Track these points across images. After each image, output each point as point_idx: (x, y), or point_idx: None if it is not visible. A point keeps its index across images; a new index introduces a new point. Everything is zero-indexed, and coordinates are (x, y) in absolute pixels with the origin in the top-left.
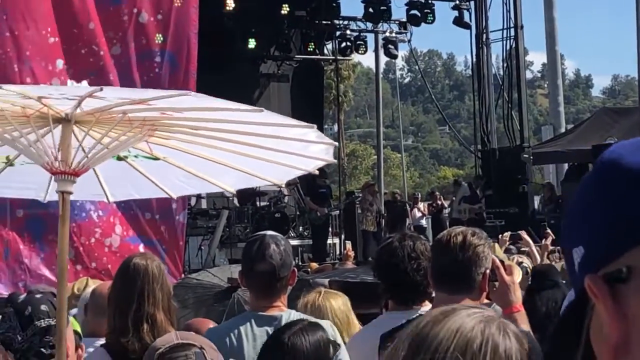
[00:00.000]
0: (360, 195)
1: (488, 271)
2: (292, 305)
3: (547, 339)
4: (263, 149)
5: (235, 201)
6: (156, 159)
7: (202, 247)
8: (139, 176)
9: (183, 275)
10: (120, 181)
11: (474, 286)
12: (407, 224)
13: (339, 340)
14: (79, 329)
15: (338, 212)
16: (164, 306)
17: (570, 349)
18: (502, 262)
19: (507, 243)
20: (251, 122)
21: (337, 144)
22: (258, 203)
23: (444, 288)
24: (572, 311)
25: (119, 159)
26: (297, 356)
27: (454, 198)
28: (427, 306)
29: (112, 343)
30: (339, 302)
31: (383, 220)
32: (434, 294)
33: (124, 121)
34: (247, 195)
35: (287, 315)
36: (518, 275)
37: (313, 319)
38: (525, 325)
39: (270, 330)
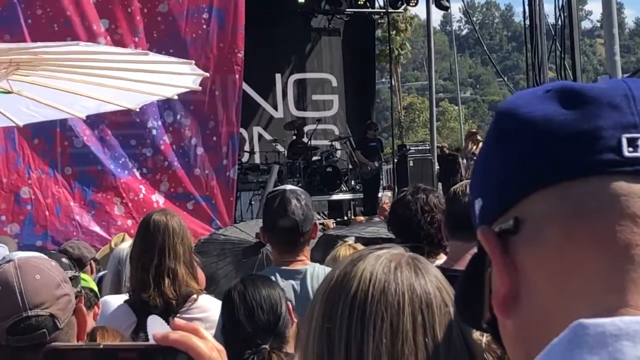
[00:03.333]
0: (464, 144)
1: None
2: (315, 258)
3: (456, 291)
4: (120, 79)
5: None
6: (8, 92)
7: (253, 202)
8: None
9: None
10: None
11: None
12: (459, 176)
13: None
14: (93, 286)
15: (390, 166)
16: (185, 261)
17: (475, 300)
18: None
19: None
20: (118, 60)
21: (207, 74)
22: (310, 157)
23: (459, 236)
24: (475, 263)
25: None
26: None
27: None
28: (442, 259)
29: (135, 298)
30: None
31: None
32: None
33: None
34: (299, 149)
35: (312, 268)
36: None
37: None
38: None
39: (295, 283)
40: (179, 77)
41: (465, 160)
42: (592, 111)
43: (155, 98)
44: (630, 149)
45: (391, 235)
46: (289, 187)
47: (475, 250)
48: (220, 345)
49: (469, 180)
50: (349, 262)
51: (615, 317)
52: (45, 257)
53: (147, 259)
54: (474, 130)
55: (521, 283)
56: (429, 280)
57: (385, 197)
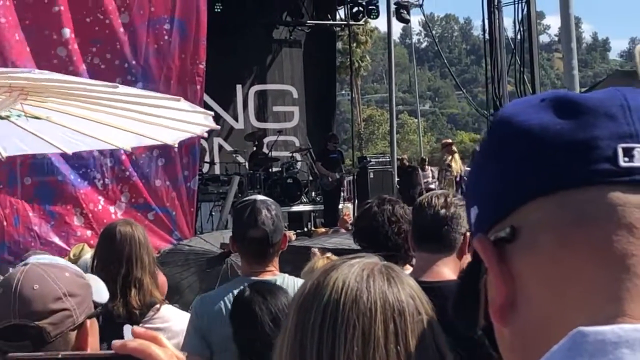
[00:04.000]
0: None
1: (469, 233)
2: (284, 270)
3: (451, 299)
4: (145, 114)
5: (247, 166)
6: (38, 118)
7: (213, 213)
8: (25, 133)
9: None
10: (8, 138)
11: (455, 246)
12: (419, 188)
13: None
14: None
15: (350, 177)
16: (150, 270)
17: (471, 309)
18: None
19: None
20: (125, 94)
21: (212, 113)
22: (270, 169)
23: (425, 248)
24: (471, 271)
25: (1, 118)
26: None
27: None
28: (408, 270)
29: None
30: None
31: (463, 184)
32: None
33: None
34: (259, 161)
35: (281, 279)
36: None
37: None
38: None
39: None
40: (189, 114)
41: (440, 171)
42: (589, 121)
43: (188, 135)
44: (626, 159)
45: (355, 247)
46: (259, 197)
47: (455, 260)
48: (181, 353)
49: (434, 192)
50: (322, 272)
51: (615, 325)
52: (64, 265)
53: (114, 268)
54: (449, 140)
55: (518, 291)
56: (402, 288)
57: (346, 208)
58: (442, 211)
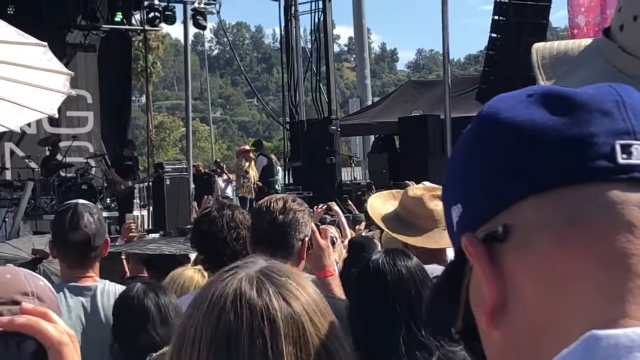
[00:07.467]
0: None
1: (307, 239)
2: (102, 276)
3: (426, 300)
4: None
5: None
6: None
7: (6, 219)
8: None
9: None
10: None
11: (293, 252)
12: (216, 194)
13: None
14: None
15: (145, 184)
16: None
17: (449, 311)
18: (317, 226)
19: (322, 214)
20: None
21: (72, 73)
22: (64, 174)
23: (262, 252)
24: (451, 272)
25: None
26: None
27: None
28: None
29: None
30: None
31: (258, 186)
32: None
33: None
34: (53, 166)
35: (102, 285)
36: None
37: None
38: (339, 289)
39: (85, 301)
40: (51, 76)
41: (238, 178)
42: (583, 117)
43: (39, 116)
44: (624, 156)
45: (174, 251)
46: (81, 201)
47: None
48: (71, 330)
49: (274, 196)
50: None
51: (628, 328)
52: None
53: None
54: (247, 147)
55: (510, 292)
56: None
57: (129, 217)
58: (280, 217)
